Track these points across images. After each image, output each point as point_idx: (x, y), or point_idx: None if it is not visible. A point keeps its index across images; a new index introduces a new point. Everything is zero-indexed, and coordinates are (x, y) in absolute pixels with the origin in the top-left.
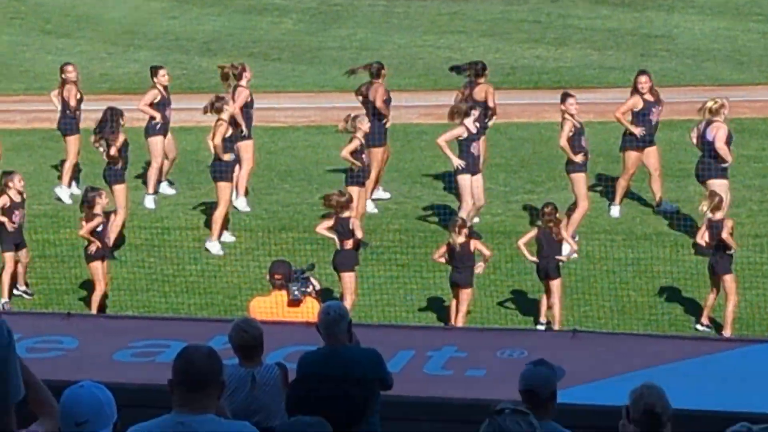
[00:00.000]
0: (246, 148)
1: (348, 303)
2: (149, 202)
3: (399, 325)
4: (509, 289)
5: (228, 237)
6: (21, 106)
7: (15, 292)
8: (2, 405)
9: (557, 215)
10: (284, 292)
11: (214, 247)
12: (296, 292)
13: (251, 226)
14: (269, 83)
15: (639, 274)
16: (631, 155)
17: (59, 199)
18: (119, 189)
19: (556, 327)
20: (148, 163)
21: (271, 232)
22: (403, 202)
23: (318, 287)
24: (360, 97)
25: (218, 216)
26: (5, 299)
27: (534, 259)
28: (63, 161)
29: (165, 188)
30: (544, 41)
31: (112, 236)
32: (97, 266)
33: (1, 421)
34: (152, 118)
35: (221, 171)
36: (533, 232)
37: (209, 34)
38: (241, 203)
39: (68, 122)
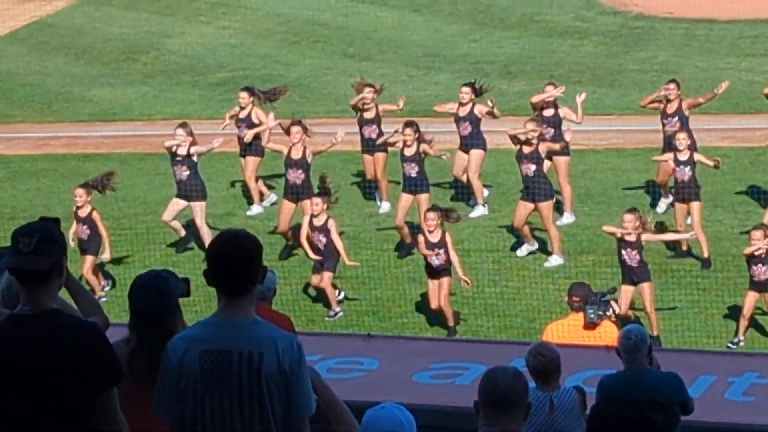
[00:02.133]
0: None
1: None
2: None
3: (700, 350)
4: None
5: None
6: (323, 129)
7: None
8: (293, 416)
9: None
10: (581, 315)
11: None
12: (592, 315)
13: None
14: (570, 106)
15: None
16: None
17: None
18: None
19: None
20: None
21: (571, 255)
22: (705, 225)
23: (618, 311)
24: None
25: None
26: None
27: None
28: (365, 180)
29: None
30: None
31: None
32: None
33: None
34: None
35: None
36: None
37: (509, 56)
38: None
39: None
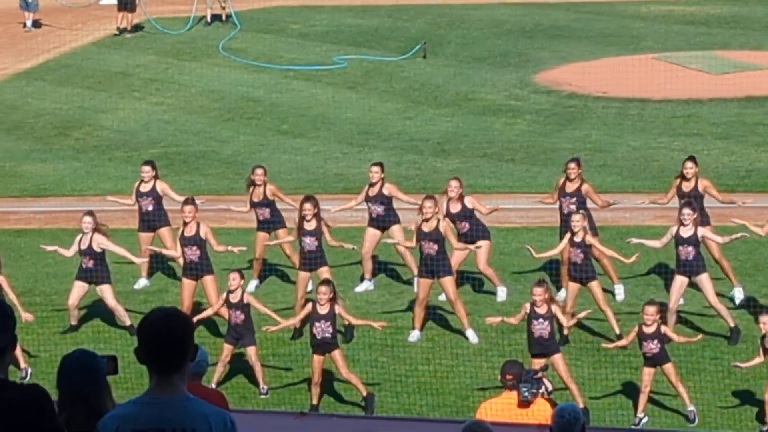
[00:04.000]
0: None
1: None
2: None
3: (631, 428)
4: None
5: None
6: None
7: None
8: None
9: None
10: (515, 393)
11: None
12: (525, 393)
13: (484, 327)
14: (503, 184)
15: None
16: None
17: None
18: None
19: None
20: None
21: (504, 332)
22: (636, 304)
23: (551, 388)
24: None
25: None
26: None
27: None
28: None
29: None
30: None
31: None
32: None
33: None
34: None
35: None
36: None
37: (443, 134)
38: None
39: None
